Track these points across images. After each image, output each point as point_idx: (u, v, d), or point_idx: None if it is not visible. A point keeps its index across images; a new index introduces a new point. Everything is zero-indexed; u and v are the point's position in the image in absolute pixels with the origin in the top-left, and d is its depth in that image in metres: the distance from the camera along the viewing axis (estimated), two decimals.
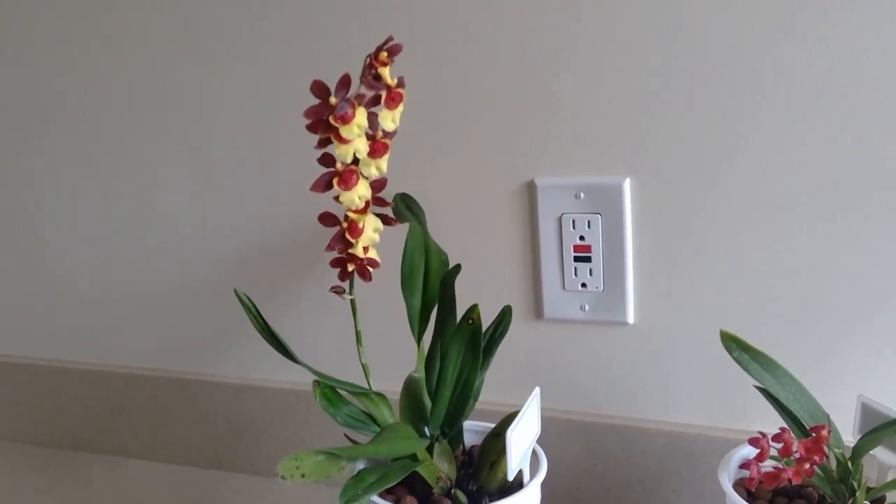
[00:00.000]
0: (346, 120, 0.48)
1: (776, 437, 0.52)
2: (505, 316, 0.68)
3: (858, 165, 0.64)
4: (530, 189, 0.75)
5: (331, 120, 0.48)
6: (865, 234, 0.65)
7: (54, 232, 0.97)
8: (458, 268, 0.63)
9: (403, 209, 0.73)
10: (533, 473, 0.59)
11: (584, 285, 0.75)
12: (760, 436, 0.53)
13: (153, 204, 0.91)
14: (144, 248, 0.93)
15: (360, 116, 0.49)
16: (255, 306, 0.59)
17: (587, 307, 0.75)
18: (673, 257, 0.72)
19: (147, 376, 0.95)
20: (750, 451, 0.65)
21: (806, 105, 0.64)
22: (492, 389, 0.75)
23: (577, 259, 0.75)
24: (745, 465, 0.53)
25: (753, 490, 0.61)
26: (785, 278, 0.68)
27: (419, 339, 0.63)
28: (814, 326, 0.68)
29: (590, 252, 0.74)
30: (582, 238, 0.74)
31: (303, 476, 0.47)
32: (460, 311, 0.61)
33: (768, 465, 0.53)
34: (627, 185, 0.72)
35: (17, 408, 1.04)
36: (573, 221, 0.74)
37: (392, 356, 0.73)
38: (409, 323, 0.64)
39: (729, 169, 0.68)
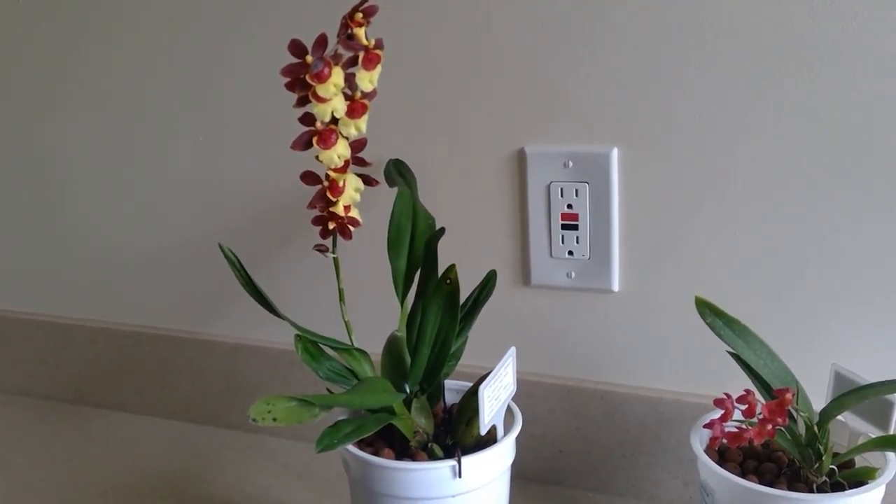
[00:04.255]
0: (321, 78, 0.50)
1: (740, 399, 0.54)
2: (490, 280, 0.69)
3: (841, 137, 0.65)
4: (520, 157, 0.76)
5: (307, 78, 0.50)
6: (844, 204, 0.66)
7: (60, 191, 0.99)
8: (441, 230, 0.64)
9: (395, 174, 0.74)
10: (508, 431, 0.61)
11: (570, 253, 0.76)
12: (725, 397, 0.54)
13: (158, 163, 0.93)
14: (146, 207, 0.95)
15: (337, 76, 0.50)
16: (238, 261, 0.60)
17: (573, 274, 0.77)
18: (658, 227, 0.73)
19: (147, 334, 0.98)
20: (717, 414, 0.66)
21: (795, 77, 0.65)
22: (478, 353, 0.76)
23: (564, 227, 0.76)
24: (708, 425, 0.54)
25: (717, 449, 0.62)
26: (765, 249, 0.69)
27: (402, 300, 0.65)
28: (792, 296, 0.69)
29: (577, 220, 0.75)
30: (569, 206, 0.75)
31: (274, 420, 0.49)
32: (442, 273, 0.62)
33: (733, 427, 0.55)
34: (615, 154, 0.73)
35: (20, 362, 1.07)
36: (561, 190, 0.75)
37: (377, 317, 0.75)
38: (394, 284, 0.66)
39: (715, 140, 0.69)
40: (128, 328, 0.99)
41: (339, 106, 0.51)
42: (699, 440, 0.63)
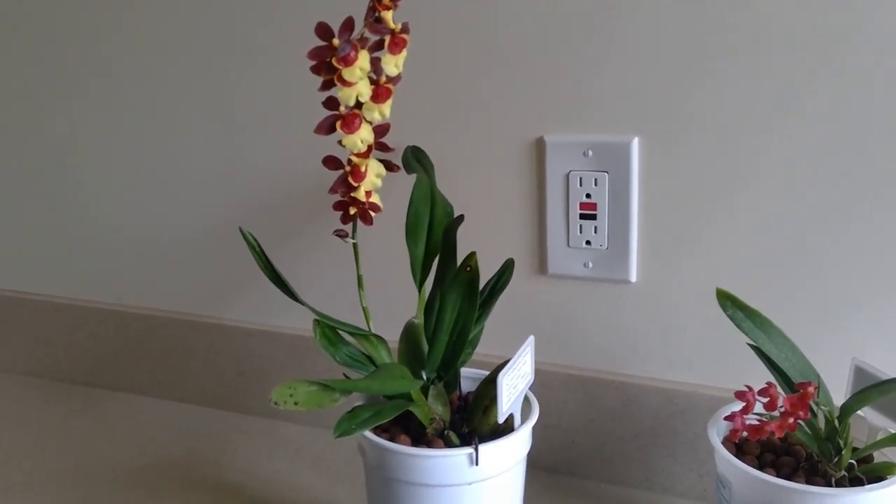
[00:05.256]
0: (348, 62, 0.49)
1: (762, 392, 0.53)
2: (507, 268, 0.69)
3: (863, 128, 0.64)
4: (539, 146, 0.76)
5: (333, 61, 0.49)
6: (868, 196, 0.65)
7: (76, 173, 0.99)
8: (461, 218, 0.64)
9: (413, 161, 0.74)
10: (525, 420, 0.61)
11: (588, 243, 0.76)
12: (746, 389, 0.54)
13: (174, 147, 0.93)
14: (163, 191, 0.95)
15: (363, 59, 0.50)
16: (259, 245, 0.60)
17: (590, 264, 0.76)
18: (677, 217, 0.72)
19: (161, 317, 0.98)
20: (737, 406, 0.66)
21: (822, 68, 0.64)
22: (494, 342, 0.76)
23: (582, 216, 0.76)
24: (729, 417, 0.54)
25: (738, 441, 0.62)
26: (786, 241, 0.69)
27: (420, 287, 0.65)
28: (812, 289, 0.69)
29: (595, 210, 0.75)
30: (588, 196, 0.75)
31: (295, 404, 0.49)
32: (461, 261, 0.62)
33: (753, 419, 0.54)
34: (636, 144, 0.72)
35: (34, 344, 1.07)
36: (580, 179, 0.75)
37: (394, 303, 0.75)
38: (412, 271, 0.66)
39: (737, 130, 0.68)
40: (142, 311, 0.99)
41: (363, 90, 0.51)
42: (717, 432, 0.63)
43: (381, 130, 0.56)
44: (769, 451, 0.63)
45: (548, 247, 0.78)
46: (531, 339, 0.60)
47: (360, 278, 0.61)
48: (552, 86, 0.74)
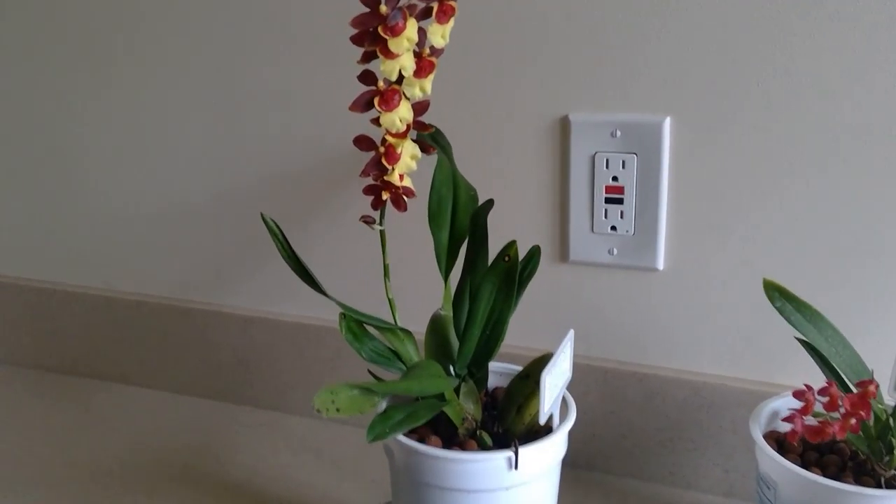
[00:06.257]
0: (396, 31, 0.44)
1: (822, 391, 0.50)
2: (533, 256, 0.65)
3: None
4: (563, 125, 0.72)
5: (380, 31, 0.44)
6: None
7: (62, 153, 0.93)
8: (490, 202, 0.60)
9: (430, 142, 0.69)
10: (563, 420, 0.57)
11: (613, 228, 0.72)
12: (806, 388, 0.51)
13: (165, 121, 0.87)
14: (153, 168, 0.89)
15: (411, 29, 0.45)
16: (282, 233, 0.56)
17: (615, 251, 0.73)
18: (709, 203, 0.69)
19: (153, 304, 0.93)
20: (781, 404, 0.63)
21: (857, 43, 0.61)
22: (511, 332, 0.72)
23: (608, 201, 0.72)
24: (788, 419, 0.51)
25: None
26: (827, 226, 0.66)
27: (446, 276, 0.61)
28: (853, 279, 0.66)
29: (622, 194, 0.71)
30: (615, 179, 0.71)
31: (338, 410, 0.44)
32: (492, 249, 0.58)
33: (812, 420, 0.51)
34: (667, 124, 0.68)
35: (18, 330, 1.01)
36: (607, 161, 0.71)
37: (415, 292, 0.71)
38: (437, 259, 0.61)
39: (775, 109, 0.65)
40: (132, 297, 0.94)
41: (407, 63, 0.46)
42: (759, 428, 0.60)
43: (420, 108, 0.52)
44: (812, 449, 0.60)
45: (570, 232, 0.74)
46: (571, 333, 0.57)
47: (386, 268, 0.57)
48: (578, 61, 0.70)
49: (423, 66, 0.47)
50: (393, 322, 0.58)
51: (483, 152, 0.75)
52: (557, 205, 0.74)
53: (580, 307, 0.76)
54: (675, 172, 0.70)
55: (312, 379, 0.86)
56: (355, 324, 0.55)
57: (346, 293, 0.80)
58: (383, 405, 0.53)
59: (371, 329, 0.58)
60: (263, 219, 0.55)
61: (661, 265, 0.72)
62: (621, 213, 0.72)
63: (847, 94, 0.62)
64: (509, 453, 0.52)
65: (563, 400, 0.59)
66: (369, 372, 0.58)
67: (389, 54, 0.45)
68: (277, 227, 0.55)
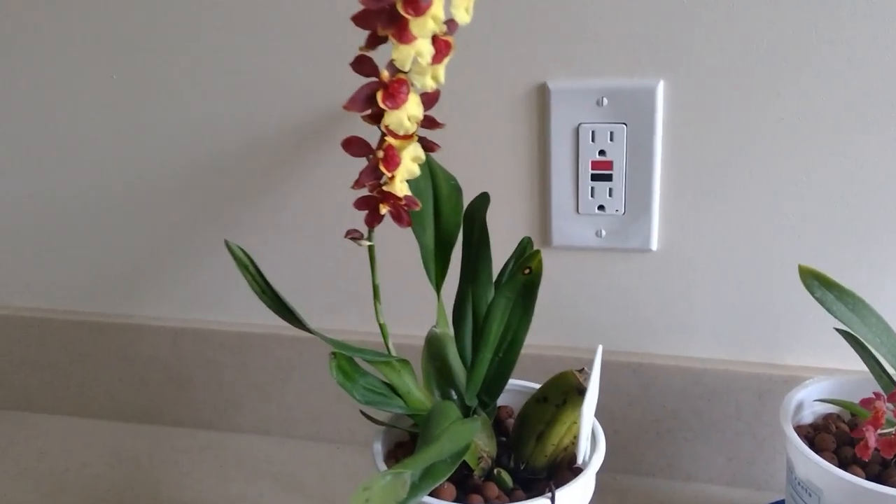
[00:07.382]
0: (421, 10, 0.34)
1: (892, 397, 0.45)
2: (525, 248, 0.57)
3: None
4: (541, 94, 0.63)
5: (399, 8, 0.33)
6: None
7: None
8: (485, 197, 0.51)
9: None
10: (593, 450, 0.50)
11: (601, 208, 0.65)
12: (874, 396, 0.45)
13: (61, 103, 0.73)
14: (51, 156, 0.75)
15: (437, 6, 0.35)
16: (254, 264, 0.44)
17: (604, 232, 0.65)
18: (708, 176, 0.62)
19: (59, 320, 0.79)
20: (805, 395, 0.58)
21: (863, 9, 0.55)
22: None
23: (594, 177, 0.64)
24: (857, 433, 0.45)
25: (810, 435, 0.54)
26: (833, 202, 0.60)
27: (438, 287, 0.51)
28: (864, 257, 0.61)
29: (611, 169, 0.64)
30: (602, 153, 0.63)
31: None
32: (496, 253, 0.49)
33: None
34: (661, 89, 0.61)
35: None
36: (592, 133, 0.63)
37: (401, 304, 0.61)
38: (424, 266, 0.52)
39: (779, 74, 0.58)
40: (31, 314, 0.80)
41: (424, 49, 0.35)
42: (790, 425, 0.54)
43: (430, 100, 0.41)
44: (847, 445, 0.55)
45: (552, 214, 0.66)
46: (600, 349, 0.49)
47: (375, 288, 0.47)
48: (556, 20, 0.60)
49: (440, 48, 0.37)
50: (386, 350, 0.48)
51: (450, 128, 0.64)
52: (537, 183, 0.66)
53: (567, 295, 0.68)
54: (670, 144, 0.62)
55: (262, 393, 0.76)
56: (346, 361, 0.45)
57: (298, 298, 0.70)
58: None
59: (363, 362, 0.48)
60: (229, 247, 0.43)
61: (654, 246, 0.65)
62: (610, 190, 0.64)
63: (859, 54, 0.56)
64: (545, 501, 0.44)
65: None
66: (362, 413, 0.49)
67: (407, 37, 0.34)
68: (248, 256, 0.44)
